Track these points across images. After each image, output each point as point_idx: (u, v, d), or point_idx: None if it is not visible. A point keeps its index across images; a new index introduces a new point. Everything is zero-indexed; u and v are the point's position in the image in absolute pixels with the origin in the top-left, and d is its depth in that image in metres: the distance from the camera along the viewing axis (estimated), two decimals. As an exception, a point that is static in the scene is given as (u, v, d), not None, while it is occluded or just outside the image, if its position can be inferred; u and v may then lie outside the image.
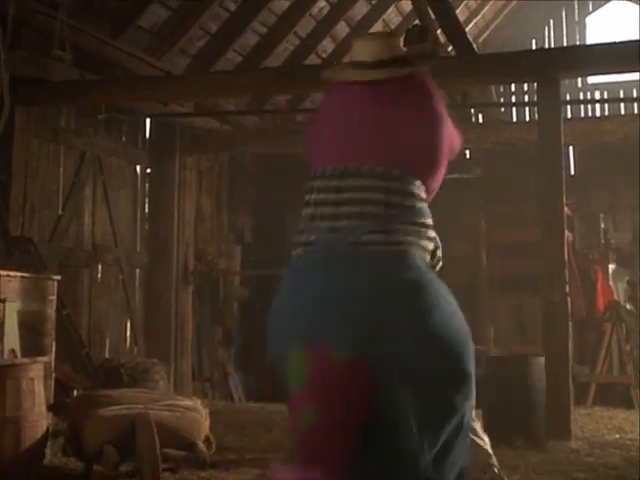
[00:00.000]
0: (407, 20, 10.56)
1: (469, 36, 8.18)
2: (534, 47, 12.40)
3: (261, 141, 10.04)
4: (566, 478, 5.47)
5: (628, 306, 10.21)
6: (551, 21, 13.01)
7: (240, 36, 9.48)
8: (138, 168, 9.85)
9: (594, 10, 12.98)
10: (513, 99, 12.87)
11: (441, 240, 2.77)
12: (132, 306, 9.36)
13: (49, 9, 7.16)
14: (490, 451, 4.51)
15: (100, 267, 8.94)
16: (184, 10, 8.66)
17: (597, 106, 12.33)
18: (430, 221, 2.71)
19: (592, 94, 12.61)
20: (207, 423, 5.25)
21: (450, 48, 8.68)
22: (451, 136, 2.84)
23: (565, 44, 12.70)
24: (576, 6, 12.95)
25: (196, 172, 10.36)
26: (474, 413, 2.76)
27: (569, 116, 11.43)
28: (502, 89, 12.57)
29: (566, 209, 7.26)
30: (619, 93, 12.04)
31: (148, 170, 9.94)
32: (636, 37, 8.50)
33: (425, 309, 2.54)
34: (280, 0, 9.54)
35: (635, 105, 11.82)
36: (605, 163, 10.93)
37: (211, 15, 9.01)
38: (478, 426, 4.50)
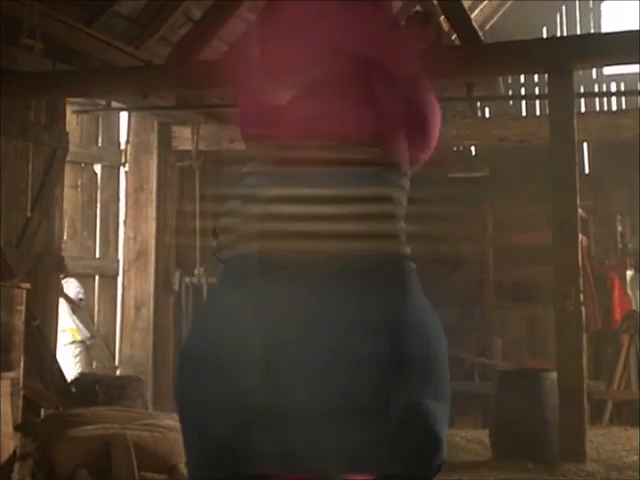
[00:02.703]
0: (408, 6, 10.56)
1: (475, 23, 8.20)
2: (545, 35, 12.43)
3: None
4: (581, 503, 5.49)
5: (647, 316, 10.22)
6: (563, 7, 13.05)
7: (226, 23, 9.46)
8: (114, 166, 9.83)
9: (610, -5, 13.04)
10: (522, 91, 12.90)
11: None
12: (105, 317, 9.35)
13: (17, -7, 7.15)
14: None
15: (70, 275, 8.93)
16: (165, -6, 8.65)
17: (613, 99, 12.38)
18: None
19: (608, 86, 12.64)
20: (189, 444, 5.23)
21: (454, 36, 8.69)
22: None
23: (579, 32, 12.73)
24: (590, -9, 13.01)
25: (178, 171, 10.34)
26: None
27: (583, 110, 11.45)
28: (510, 81, 12.60)
29: (580, 211, 7.27)
30: (637, 85, 12.05)
31: (125, 168, 9.92)
32: (655, 24, 8.54)
33: None
34: (269, -16, 9.52)
35: (654, 98, 11.86)
36: (622, 161, 10.94)
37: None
38: None
